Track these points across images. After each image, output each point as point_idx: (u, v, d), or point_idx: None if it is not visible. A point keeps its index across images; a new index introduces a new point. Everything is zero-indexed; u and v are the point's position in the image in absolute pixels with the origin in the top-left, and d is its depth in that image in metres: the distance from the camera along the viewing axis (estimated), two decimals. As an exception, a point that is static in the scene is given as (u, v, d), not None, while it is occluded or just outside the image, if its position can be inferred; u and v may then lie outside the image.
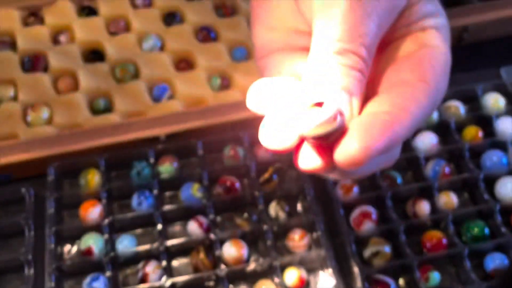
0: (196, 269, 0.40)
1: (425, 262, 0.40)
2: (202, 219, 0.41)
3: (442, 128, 0.46)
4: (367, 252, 0.41)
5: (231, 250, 0.40)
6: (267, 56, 0.29)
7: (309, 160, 0.23)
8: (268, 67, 0.29)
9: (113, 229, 0.41)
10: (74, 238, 0.41)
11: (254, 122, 0.43)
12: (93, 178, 0.43)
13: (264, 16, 0.30)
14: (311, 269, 0.40)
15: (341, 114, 0.22)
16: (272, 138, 0.23)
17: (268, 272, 0.40)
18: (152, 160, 0.44)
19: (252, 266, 0.40)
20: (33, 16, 0.51)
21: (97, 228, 0.41)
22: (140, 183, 0.43)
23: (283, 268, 0.39)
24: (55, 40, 0.50)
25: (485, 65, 0.51)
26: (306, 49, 0.28)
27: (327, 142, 0.22)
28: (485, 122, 0.47)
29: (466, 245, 0.40)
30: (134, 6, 0.52)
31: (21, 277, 0.39)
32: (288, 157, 0.40)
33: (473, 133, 0.46)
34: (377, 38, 0.24)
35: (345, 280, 0.39)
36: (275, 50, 0.29)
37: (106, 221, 0.41)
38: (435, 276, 0.39)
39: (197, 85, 0.47)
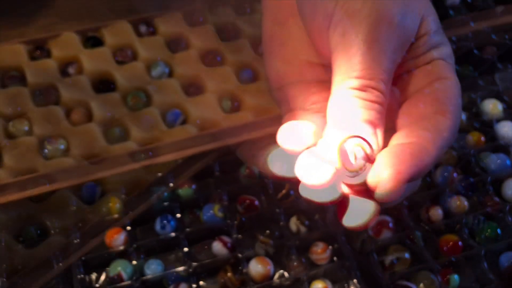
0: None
1: (444, 265, 0.41)
2: (226, 239, 0.42)
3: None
4: (387, 260, 0.41)
5: (257, 267, 0.40)
6: (284, 88, 0.30)
7: (361, 210, 0.23)
8: (286, 99, 0.30)
9: (140, 254, 0.41)
10: (101, 266, 0.41)
11: (267, 140, 0.44)
12: (114, 205, 0.43)
13: (277, 49, 0.31)
14: (336, 281, 0.41)
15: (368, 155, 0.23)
16: (310, 174, 0.23)
17: (295, 286, 0.40)
18: (171, 184, 0.44)
19: (278, 281, 0.40)
20: (39, 49, 0.51)
21: (124, 254, 0.41)
22: (161, 207, 0.43)
23: (309, 281, 0.40)
24: (64, 72, 0.50)
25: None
26: (319, 81, 0.30)
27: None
28: (485, 125, 0.48)
29: (482, 246, 0.41)
30: (139, 34, 0.53)
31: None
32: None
33: (476, 138, 0.48)
34: (392, 72, 0.25)
35: (368, 283, 0.39)
36: (290, 82, 0.30)
37: (133, 246, 0.41)
38: (455, 279, 0.40)
39: (208, 109, 0.47)
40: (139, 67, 0.50)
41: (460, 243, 0.42)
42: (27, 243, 0.41)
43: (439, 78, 0.26)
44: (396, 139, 0.25)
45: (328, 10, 0.26)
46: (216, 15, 0.54)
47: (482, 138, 0.47)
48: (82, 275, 0.39)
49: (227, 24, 0.54)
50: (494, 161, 0.46)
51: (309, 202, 0.24)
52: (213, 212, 0.43)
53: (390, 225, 0.42)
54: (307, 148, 0.25)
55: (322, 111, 0.28)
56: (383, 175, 0.22)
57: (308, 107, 0.29)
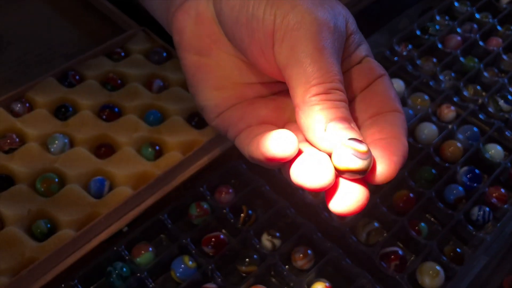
0: (233, 336, 0.36)
1: (410, 219, 0.41)
2: (211, 285, 0.37)
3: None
4: (362, 236, 0.41)
5: (256, 298, 0.36)
6: (224, 113, 0.28)
7: (353, 195, 0.22)
8: (232, 122, 0.28)
9: None
10: None
11: (203, 174, 0.41)
12: (74, 306, 0.35)
13: (206, 77, 0.29)
14: (330, 277, 0.39)
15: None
16: (311, 175, 0.22)
17: (298, 299, 0.37)
18: (126, 256, 0.38)
19: (281, 302, 0.37)
20: None
21: None
22: (125, 285, 0.37)
23: (309, 287, 0.37)
24: None
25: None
26: (259, 98, 0.28)
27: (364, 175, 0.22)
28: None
29: (430, 190, 0.43)
30: (15, 114, 0.44)
31: None
32: (252, 195, 0.39)
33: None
34: (341, 72, 0.25)
35: (362, 264, 0.38)
36: (230, 106, 0.28)
37: None
38: (423, 227, 0.41)
39: (132, 163, 0.41)
40: (34, 148, 0.42)
41: (411, 194, 0.43)
42: (37, 237, 0.38)
43: (377, 76, 0.27)
44: (372, 135, 0.25)
45: (267, 29, 0.25)
46: (92, 69, 0.48)
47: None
48: None
49: (108, 73, 0.48)
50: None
51: (301, 187, 0.23)
52: (185, 265, 0.38)
53: (350, 204, 0.42)
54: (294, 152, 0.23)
55: (276, 122, 0.27)
56: (388, 167, 0.23)
57: (259, 122, 0.27)
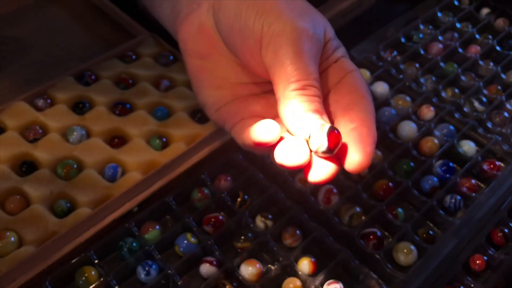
0: (229, 301, 0.41)
1: (388, 205, 0.47)
2: (210, 258, 0.42)
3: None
4: (345, 219, 0.46)
5: (249, 269, 0.42)
6: (222, 109, 0.33)
7: (325, 169, 0.27)
8: (228, 116, 0.33)
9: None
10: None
11: (204, 163, 0.46)
12: (90, 274, 0.41)
13: (206, 77, 0.34)
14: (315, 253, 0.44)
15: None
16: (290, 156, 0.27)
17: (287, 271, 0.43)
18: (136, 232, 0.43)
19: (272, 273, 0.42)
20: None
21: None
22: (134, 258, 0.42)
23: (296, 262, 0.43)
24: (-24, 169, 0.45)
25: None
26: (252, 95, 0.33)
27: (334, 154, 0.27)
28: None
29: (407, 180, 0.48)
30: (38, 109, 0.50)
31: None
32: (247, 182, 0.44)
33: (362, 102, 0.55)
34: (317, 71, 0.30)
35: (344, 244, 0.43)
36: (227, 102, 0.33)
37: (128, 303, 0.39)
38: (400, 211, 0.47)
39: (141, 153, 0.47)
40: (55, 138, 0.47)
41: (391, 183, 0.48)
42: (58, 214, 0.43)
43: (348, 71, 0.31)
44: (345, 125, 0.29)
45: (256, 36, 0.29)
46: (106, 70, 0.54)
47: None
48: None
49: (121, 74, 0.54)
50: (383, 113, 0.54)
51: (282, 166, 0.28)
52: (187, 241, 0.43)
53: (335, 191, 0.47)
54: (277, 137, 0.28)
55: (266, 116, 0.32)
56: (359, 158, 0.27)
57: (251, 116, 0.33)
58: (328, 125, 0.27)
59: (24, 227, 0.41)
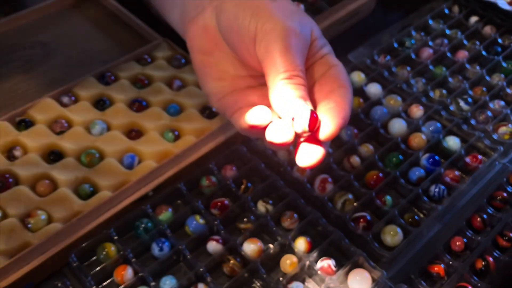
0: (232, 274, 0.46)
1: (378, 192, 0.51)
2: (216, 237, 0.47)
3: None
4: (338, 204, 0.51)
5: (251, 247, 0.47)
6: (223, 99, 0.39)
7: (313, 154, 0.32)
8: (228, 105, 0.38)
9: (152, 277, 0.45)
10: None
11: (212, 154, 0.52)
12: (110, 249, 0.46)
13: (210, 71, 0.39)
14: (310, 233, 0.49)
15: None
16: (277, 136, 0.32)
17: (285, 249, 0.47)
18: (151, 214, 0.48)
19: (272, 250, 0.47)
20: (-25, 145, 0.51)
21: (139, 283, 0.44)
22: (149, 236, 0.47)
23: (293, 241, 0.48)
24: (10, 157, 0.51)
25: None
26: (249, 87, 0.38)
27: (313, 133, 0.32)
28: (359, 91, 0.61)
29: (396, 170, 0.53)
30: (64, 105, 0.56)
31: None
32: (250, 172, 0.49)
33: (356, 102, 0.60)
34: (304, 65, 0.35)
35: (337, 226, 0.48)
36: (227, 93, 0.39)
37: (142, 275, 0.44)
38: (388, 198, 0.51)
39: (156, 144, 0.52)
40: (79, 131, 0.53)
41: (381, 174, 0.53)
42: (82, 196, 0.49)
43: (332, 65, 0.36)
44: (324, 105, 0.34)
45: (251, 34, 0.34)
46: (124, 71, 0.60)
47: (361, 100, 0.60)
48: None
49: (137, 75, 0.59)
50: (375, 111, 0.59)
51: (272, 144, 0.33)
52: (196, 221, 0.48)
53: (329, 180, 0.52)
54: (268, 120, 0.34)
55: (261, 105, 0.37)
56: (332, 127, 0.32)
57: (248, 105, 0.38)
58: (308, 110, 0.32)
59: (52, 207, 0.47)
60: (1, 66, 0.62)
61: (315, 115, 0.32)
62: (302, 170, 0.53)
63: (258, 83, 0.39)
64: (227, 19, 0.36)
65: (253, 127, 0.33)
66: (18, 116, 0.54)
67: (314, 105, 0.35)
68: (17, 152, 0.51)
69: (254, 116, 0.33)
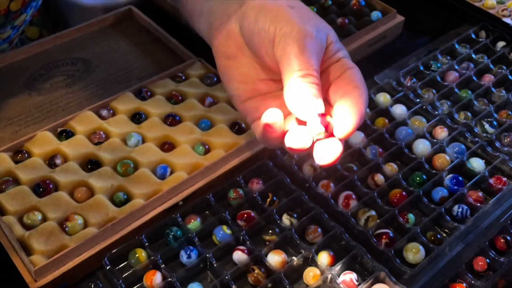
0: (256, 283, 0.47)
1: (401, 210, 0.52)
2: (242, 247, 0.49)
3: (361, 127, 0.60)
4: (361, 220, 0.52)
5: (275, 258, 0.48)
6: (245, 102, 0.41)
7: (332, 148, 0.35)
8: (250, 110, 0.41)
9: (180, 283, 0.46)
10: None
11: (240, 168, 0.54)
12: (141, 254, 0.48)
13: (233, 74, 0.42)
14: (333, 248, 0.50)
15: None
16: (295, 141, 0.35)
17: (308, 262, 0.49)
18: (180, 222, 0.50)
19: (295, 262, 0.48)
20: (19, 153, 0.55)
21: (167, 287, 0.46)
22: (178, 244, 0.49)
23: (316, 254, 0.49)
24: (51, 164, 0.54)
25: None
26: (271, 93, 0.41)
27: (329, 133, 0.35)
28: (384, 112, 0.63)
29: (419, 189, 0.54)
30: (102, 118, 0.59)
31: None
32: (276, 186, 0.51)
33: (381, 122, 0.62)
34: (318, 67, 0.37)
35: (359, 242, 0.49)
36: (249, 97, 0.41)
37: (170, 280, 0.46)
38: (411, 216, 0.52)
39: (187, 156, 0.55)
40: (116, 142, 0.56)
41: (404, 192, 0.54)
42: (117, 203, 0.51)
43: (347, 68, 0.38)
44: (340, 106, 0.36)
45: (270, 36, 0.37)
46: (160, 88, 0.63)
47: (386, 120, 0.62)
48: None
49: (172, 91, 0.62)
50: (400, 132, 0.60)
51: (291, 150, 0.35)
52: (223, 231, 0.50)
53: (353, 196, 0.53)
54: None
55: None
56: (349, 125, 0.34)
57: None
58: (322, 108, 0.35)
59: (88, 212, 0.50)
60: (44, 81, 0.66)
61: (327, 118, 0.34)
62: (327, 185, 0.54)
63: (278, 88, 0.41)
64: (249, 23, 0.38)
65: (267, 126, 0.35)
66: (59, 127, 0.57)
67: (330, 105, 0.37)
68: (57, 160, 0.54)
69: (267, 115, 0.36)
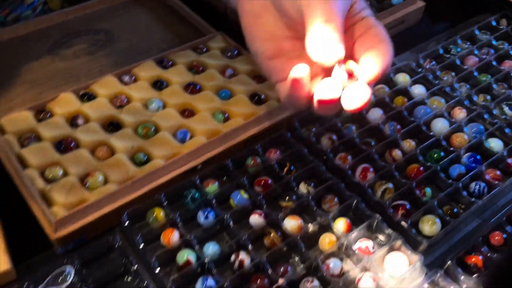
0: (272, 246, 0.47)
1: (418, 184, 0.52)
2: (259, 211, 0.49)
3: (381, 104, 0.61)
4: (378, 193, 0.52)
5: (291, 222, 0.48)
6: (270, 60, 0.41)
7: (360, 93, 0.35)
8: (275, 70, 0.41)
9: (196, 242, 0.47)
10: (165, 263, 0.46)
11: (258, 137, 0.54)
12: (159, 213, 0.48)
13: (257, 32, 0.43)
14: (349, 217, 0.50)
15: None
16: (325, 93, 0.36)
17: (324, 229, 0.49)
18: (198, 185, 0.51)
19: (311, 229, 0.48)
20: (42, 112, 0.55)
21: (183, 246, 0.46)
22: (195, 205, 0.50)
23: (333, 221, 0.49)
24: (73, 124, 0.54)
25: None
26: (295, 53, 0.41)
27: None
28: (403, 91, 0.63)
29: (436, 165, 0.54)
30: (124, 83, 0.60)
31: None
32: (293, 156, 0.51)
33: (400, 101, 0.62)
34: (343, 19, 0.37)
35: (376, 210, 0.49)
36: (273, 55, 0.42)
37: (187, 238, 0.47)
38: (428, 190, 0.52)
39: (207, 123, 0.55)
40: (138, 106, 0.57)
41: (421, 168, 0.54)
42: (137, 163, 0.52)
43: (372, 26, 0.39)
44: (366, 55, 0.37)
45: None
46: (181, 58, 0.63)
47: (405, 99, 0.62)
48: (159, 269, 0.44)
49: (193, 62, 0.63)
50: (419, 111, 0.60)
51: (321, 103, 0.36)
52: (240, 195, 0.50)
53: (371, 169, 0.53)
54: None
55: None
56: (375, 70, 0.35)
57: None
58: (344, 61, 0.35)
59: (109, 170, 0.50)
60: (67, 48, 0.67)
61: (352, 64, 0.35)
62: (344, 158, 0.54)
63: (303, 48, 0.41)
64: None
65: (294, 82, 0.36)
66: (82, 90, 0.58)
67: (355, 59, 0.38)
68: (79, 121, 0.54)
69: (294, 70, 0.36)
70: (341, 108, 0.37)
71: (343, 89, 0.36)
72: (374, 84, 0.37)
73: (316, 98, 0.36)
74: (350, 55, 0.38)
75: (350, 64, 0.36)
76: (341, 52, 0.35)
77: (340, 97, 0.36)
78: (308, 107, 0.40)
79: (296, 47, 0.42)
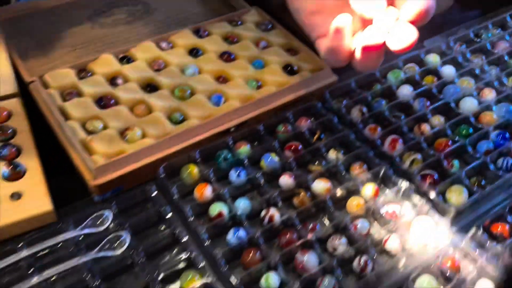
0: (301, 206, 0.49)
1: (446, 156, 0.53)
2: (289, 173, 0.51)
3: (411, 81, 0.62)
4: (406, 163, 0.53)
5: (321, 185, 0.50)
6: (312, 15, 0.42)
7: (407, 33, 0.36)
8: (316, 24, 0.43)
9: (228, 196, 0.48)
10: (198, 215, 0.47)
11: (290, 106, 0.55)
12: (193, 170, 0.50)
13: None
14: (376, 181, 0.51)
15: None
16: (370, 39, 0.37)
17: (353, 193, 0.50)
18: (231, 146, 0.52)
19: (339, 193, 0.50)
20: (83, 71, 0.57)
21: (216, 200, 0.48)
22: (227, 166, 0.51)
23: (362, 186, 0.50)
24: (113, 84, 0.56)
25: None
26: (337, 9, 0.42)
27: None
28: (434, 71, 0.64)
29: (465, 140, 0.55)
30: (162, 49, 0.61)
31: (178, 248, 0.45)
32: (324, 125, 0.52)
33: (430, 79, 0.63)
34: None
35: (404, 177, 0.50)
36: (315, 10, 0.43)
37: (221, 193, 0.48)
38: (455, 163, 0.53)
39: (241, 89, 0.57)
40: (174, 70, 0.58)
41: (450, 142, 0.55)
42: (173, 122, 0.53)
43: None
44: (406, 2, 0.37)
45: None
46: (217, 28, 0.65)
47: (435, 78, 0.63)
48: (193, 218, 0.46)
49: (228, 33, 0.65)
50: (448, 89, 0.61)
51: (367, 50, 0.37)
52: (271, 157, 0.52)
53: (400, 141, 0.54)
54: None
55: None
56: (419, 7, 0.36)
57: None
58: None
59: (147, 126, 0.52)
60: (107, 16, 0.69)
61: (394, 10, 0.36)
62: (374, 129, 0.55)
63: (345, 4, 0.42)
64: None
65: (337, 32, 0.37)
66: (121, 53, 0.60)
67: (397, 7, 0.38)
68: (119, 81, 0.56)
69: (337, 20, 0.37)
70: (383, 61, 0.39)
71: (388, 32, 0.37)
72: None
73: (360, 45, 0.37)
74: (391, 3, 0.39)
75: (392, 9, 0.37)
76: (383, 1, 0.37)
77: (384, 43, 0.37)
78: (347, 62, 0.41)
79: (338, 3, 0.43)
